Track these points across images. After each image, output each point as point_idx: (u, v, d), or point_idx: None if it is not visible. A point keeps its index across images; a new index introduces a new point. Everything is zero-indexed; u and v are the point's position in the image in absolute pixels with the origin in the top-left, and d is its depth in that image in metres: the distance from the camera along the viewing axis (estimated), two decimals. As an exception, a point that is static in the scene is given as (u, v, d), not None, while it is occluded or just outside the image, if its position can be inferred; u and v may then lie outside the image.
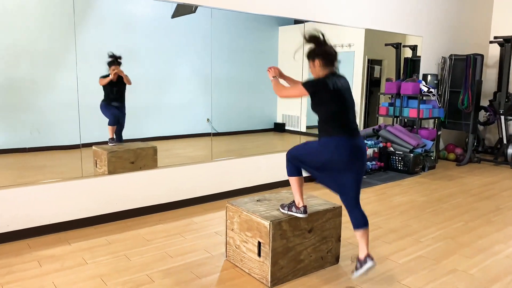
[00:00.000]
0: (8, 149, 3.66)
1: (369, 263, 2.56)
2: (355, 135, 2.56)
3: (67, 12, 3.60)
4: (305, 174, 2.78)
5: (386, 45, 6.73)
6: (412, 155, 5.88)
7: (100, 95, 3.98)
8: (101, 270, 2.85)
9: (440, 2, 6.86)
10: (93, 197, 3.73)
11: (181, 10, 4.42)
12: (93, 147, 4.15)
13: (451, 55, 6.98)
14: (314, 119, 2.68)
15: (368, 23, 5.86)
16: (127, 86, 4.11)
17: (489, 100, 7.18)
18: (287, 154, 2.77)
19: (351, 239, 3.48)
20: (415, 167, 5.94)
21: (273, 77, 2.81)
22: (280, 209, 2.82)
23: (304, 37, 2.61)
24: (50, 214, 3.50)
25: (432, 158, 6.44)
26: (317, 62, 2.56)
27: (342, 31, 5.85)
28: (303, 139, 5.36)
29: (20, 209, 3.36)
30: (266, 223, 2.65)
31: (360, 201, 2.68)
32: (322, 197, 3.21)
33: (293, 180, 2.77)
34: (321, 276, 2.85)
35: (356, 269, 2.63)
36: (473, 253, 3.27)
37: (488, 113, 7.13)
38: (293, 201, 2.78)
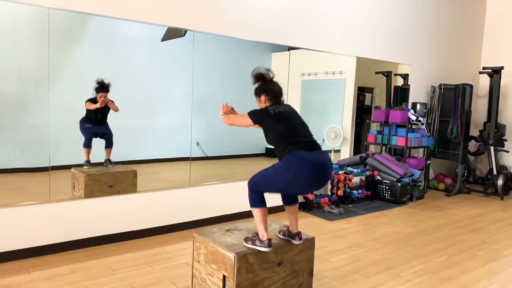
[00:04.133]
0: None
1: (296, 241, 2.73)
2: (315, 149, 2.57)
3: (59, 31, 3.58)
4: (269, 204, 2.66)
5: (376, 73, 6.71)
6: (399, 184, 5.75)
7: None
8: (56, 302, 2.67)
9: (430, 32, 6.88)
10: (60, 222, 3.56)
11: (171, 34, 4.40)
12: (72, 169, 4.02)
13: (440, 84, 6.95)
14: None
15: (358, 51, 5.84)
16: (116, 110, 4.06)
17: (479, 130, 7.10)
18: (248, 183, 2.65)
19: (328, 271, 3.31)
20: (402, 196, 5.80)
21: (223, 113, 3.02)
22: (244, 243, 2.65)
23: (252, 76, 2.81)
24: (12, 240, 3.33)
25: (421, 187, 6.30)
26: (263, 97, 2.77)
27: (334, 59, 5.84)
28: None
29: (-19, 234, 3.20)
30: (231, 256, 2.50)
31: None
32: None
33: (257, 212, 2.63)
34: (291, 313, 2.68)
35: (284, 235, 2.82)
36: (455, 291, 3.10)
37: (478, 143, 7.04)
38: (257, 234, 2.64)
